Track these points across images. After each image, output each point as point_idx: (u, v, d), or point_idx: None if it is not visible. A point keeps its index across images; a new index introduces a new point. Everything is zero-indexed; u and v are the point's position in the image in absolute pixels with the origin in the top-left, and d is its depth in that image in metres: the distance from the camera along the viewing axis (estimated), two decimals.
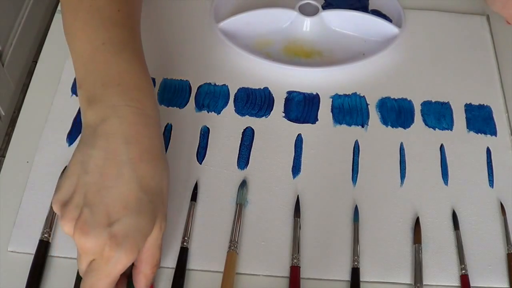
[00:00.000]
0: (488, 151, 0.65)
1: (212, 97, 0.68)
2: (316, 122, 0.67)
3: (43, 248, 0.56)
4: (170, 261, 0.56)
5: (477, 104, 0.69)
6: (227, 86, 0.69)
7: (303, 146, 0.65)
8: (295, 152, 0.64)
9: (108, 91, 0.50)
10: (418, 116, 0.68)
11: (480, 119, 0.68)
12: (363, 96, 0.69)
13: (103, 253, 0.46)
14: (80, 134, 0.51)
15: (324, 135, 0.66)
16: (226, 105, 0.68)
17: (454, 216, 0.60)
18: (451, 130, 0.67)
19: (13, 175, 0.62)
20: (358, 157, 0.64)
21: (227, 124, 0.66)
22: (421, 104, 0.69)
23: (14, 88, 1.57)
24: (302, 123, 0.67)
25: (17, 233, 0.58)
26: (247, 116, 0.67)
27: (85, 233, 0.46)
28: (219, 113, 0.67)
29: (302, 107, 0.68)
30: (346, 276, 0.57)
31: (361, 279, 0.56)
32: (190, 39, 0.74)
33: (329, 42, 0.73)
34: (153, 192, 0.49)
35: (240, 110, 0.67)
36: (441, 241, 0.59)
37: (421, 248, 0.58)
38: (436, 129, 0.67)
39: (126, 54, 0.53)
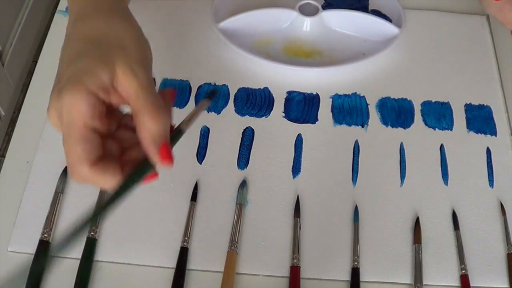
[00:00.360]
0: (488, 151, 0.65)
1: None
2: (316, 122, 0.67)
3: (43, 248, 0.56)
4: (170, 261, 0.56)
5: (477, 104, 0.69)
6: (227, 86, 0.69)
7: (303, 146, 0.65)
8: (295, 152, 0.64)
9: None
10: (418, 116, 0.68)
11: (480, 119, 0.68)
12: (363, 96, 0.69)
13: (58, 111, 0.43)
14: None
15: (324, 135, 0.66)
16: (226, 105, 0.68)
17: (454, 216, 0.60)
18: (451, 130, 0.67)
19: (13, 175, 0.62)
20: (358, 157, 0.64)
21: (227, 124, 0.66)
22: (421, 104, 0.69)
23: (14, 88, 1.57)
24: (302, 123, 0.67)
25: (17, 233, 0.58)
26: (247, 116, 0.67)
27: (47, 110, 0.44)
28: (219, 113, 0.67)
29: (302, 107, 0.68)
30: (346, 276, 0.57)
31: (361, 279, 0.56)
32: (190, 39, 0.74)
33: (329, 42, 0.73)
34: (99, 40, 0.46)
35: (240, 110, 0.67)
36: (441, 241, 0.59)
37: (421, 248, 0.58)
38: (436, 129, 0.67)
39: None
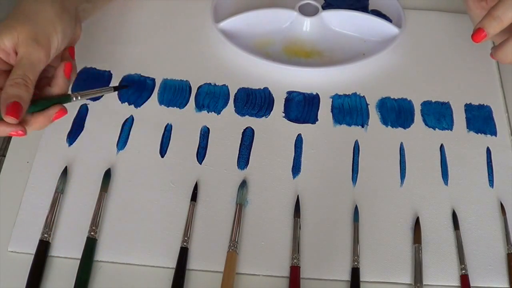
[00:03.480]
0: (488, 151, 0.65)
1: (212, 97, 0.68)
2: (316, 122, 0.67)
3: (43, 248, 0.56)
4: (170, 261, 0.56)
5: (477, 104, 0.69)
6: (227, 86, 0.69)
7: (303, 146, 0.65)
8: (295, 152, 0.64)
9: None
10: (418, 116, 0.68)
11: (480, 119, 0.68)
12: (363, 96, 0.69)
13: None
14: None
15: (324, 135, 0.66)
16: (226, 105, 0.68)
17: (454, 216, 0.60)
18: (451, 130, 0.67)
19: (13, 175, 0.62)
20: (358, 157, 0.64)
21: (227, 124, 0.66)
22: (421, 104, 0.69)
23: None
24: (302, 123, 0.67)
25: (17, 233, 0.58)
26: (247, 116, 0.67)
27: None
28: (219, 113, 0.67)
29: (302, 107, 0.68)
30: (346, 276, 0.57)
31: (361, 279, 0.56)
32: (190, 39, 0.74)
33: (329, 42, 0.73)
34: (22, 12, 0.56)
35: (240, 110, 0.67)
36: (441, 241, 0.59)
37: (421, 248, 0.58)
38: (436, 129, 0.67)
39: None
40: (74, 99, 0.58)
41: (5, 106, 0.51)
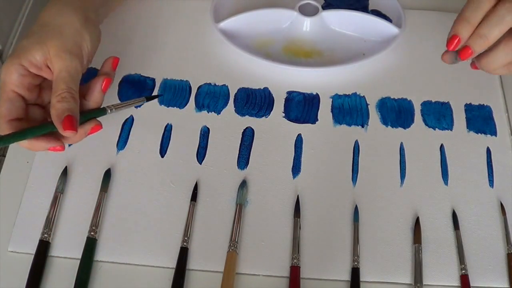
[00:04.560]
0: (488, 151, 0.65)
1: (212, 97, 0.68)
2: (316, 122, 0.67)
3: (43, 248, 0.56)
4: (170, 261, 0.57)
5: (477, 104, 0.69)
6: (227, 86, 0.69)
7: (303, 146, 0.65)
8: (295, 152, 0.64)
9: None
10: (418, 116, 0.68)
11: (480, 119, 0.68)
12: (363, 96, 0.69)
13: None
14: None
15: (324, 135, 0.66)
16: (226, 105, 0.68)
17: (454, 216, 0.60)
18: (451, 130, 0.67)
19: (13, 175, 0.62)
20: (358, 157, 0.64)
21: (227, 124, 0.66)
22: (421, 104, 0.69)
23: None
24: (302, 123, 0.67)
25: (17, 233, 0.58)
26: (247, 116, 0.67)
27: None
28: (219, 113, 0.67)
29: (302, 107, 0.68)
30: (346, 276, 0.57)
31: (361, 279, 0.56)
32: (190, 39, 0.74)
33: (329, 42, 0.73)
34: (47, 25, 0.57)
35: (240, 110, 0.67)
36: (441, 241, 0.59)
37: (421, 248, 0.58)
38: (436, 129, 0.67)
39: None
40: (109, 111, 0.57)
41: (60, 122, 0.52)
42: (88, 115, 0.56)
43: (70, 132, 0.52)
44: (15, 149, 0.64)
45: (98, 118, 0.57)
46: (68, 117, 0.52)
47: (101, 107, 0.58)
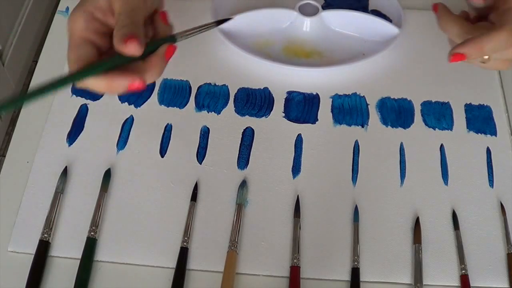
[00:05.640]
0: (488, 151, 0.65)
1: (212, 97, 0.68)
2: (316, 122, 0.67)
3: (43, 248, 0.56)
4: (170, 261, 0.57)
5: (477, 104, 0.69)
6: (227, 86, 0.69)
7: (303, 146, 0.65)
8: (295, 152, 0.64)
9: None
10: (418, 116, 0.68)
11: (480, 119, 0.68)
12: (363, 96, 0.69)
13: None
14: None
15: (324, 135, 0.66)
16: (226, 105, 0.68)
17: (454, 216, 0.60)
18: (451, 130, 0.67)
19: (13, 175, 0.62)
20: (358, 157, 0.64)
21: (227, 124, 0.66)
22: (421, 104, 0.69)
23: (14, 87, 1.57)
24: (302, 123, 0.67)
25: (17, 233, 0.58)
26: (247, 116, 0.67)
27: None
28: (219, 113, 0.67)
29: (302, 107, 0.68)
30: (346, 276, 0.57)
31: (361, 279, 0.56)
32: (190, 39, 0.73)
33: (329, 42, 0.73)
34: None
35: (240, 110, 0.67)
36: (441, 241, 0.59)
37: (421, 248, 0.58)
38: (436, 129, 0.67)
39: None
40: (179, 38, 0.53)
41: (122, 39, 0.48)
42: (157, 43, 0.52)
43: (132, 45, 0.47)
44: (15, 149, 0.64)
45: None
46: (130, 36, 0.48)
47: (172, 34, 0.53)
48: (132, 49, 0.48)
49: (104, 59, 0.49)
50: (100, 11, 0.52)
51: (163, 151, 0.64)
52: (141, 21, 0.51)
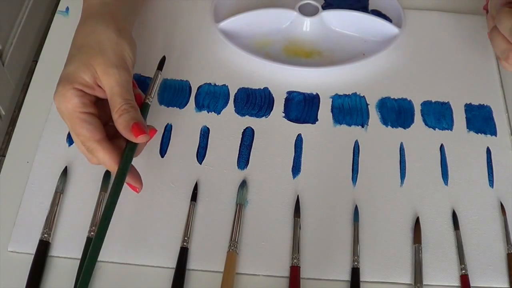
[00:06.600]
0: (488, 151, 0.65)
1: (212, 97, 0.68)
2: (316, 122, 0.67)
3: (43, 248, 0.56)
4: (170, 261, 0.57)
5: (477, 104, 0.69)
6: (227, 86, 0.69)
7: (303, 146, 0.65)
8: (295, 152, 0.64)
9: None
10: (418, 116, 0.68)
11: (480, 119, 0.68)
12: (363, 96, 0.69)
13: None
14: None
15: (324, 135, 0.66)
16: (226, 105, 0.68)
17: (454, 216, 0.60)
18: (451, 130, 0.67)
19: (13, 175, 0.62)
20: (358, 157, 0.64)
21: (227, 124, 0.66)
22: (421, 104, 0.69)
23: (14, 87, 1.57)
24: (302, 123, 0.67)
25: (17, 233, 0.58)
26: (247, 116, 0.67)
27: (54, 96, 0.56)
28: (219, 113, 0.67)
29: (302, 107, 0.68)
30: (346, 276, 0.57)
31: (361, 279, 0.56)
32: (190, 39, 0.74)
33: (329, 42, 0.73)
34: (85, 45, 0.56)
35: (240, 110, 0.67)
36: (441, 241, 0.59)
37: (421, 248, 0.58)
38: (436, 129, 0.67)
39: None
40: (150, 102, 0.59)
41: (129, 131, 0.54)
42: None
43: (143, 137, 0.54)
44: (15, 149, 0.64)
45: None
46: (135, 124, 0.54)
47: (143, 102, 0.59)
48: (144, 139, 0.54)
49: (125, 153, 0.55)
50: (88, 87, 0.55)
51: (163, 151, 0.64)
52: (133, 96, 0.56)
